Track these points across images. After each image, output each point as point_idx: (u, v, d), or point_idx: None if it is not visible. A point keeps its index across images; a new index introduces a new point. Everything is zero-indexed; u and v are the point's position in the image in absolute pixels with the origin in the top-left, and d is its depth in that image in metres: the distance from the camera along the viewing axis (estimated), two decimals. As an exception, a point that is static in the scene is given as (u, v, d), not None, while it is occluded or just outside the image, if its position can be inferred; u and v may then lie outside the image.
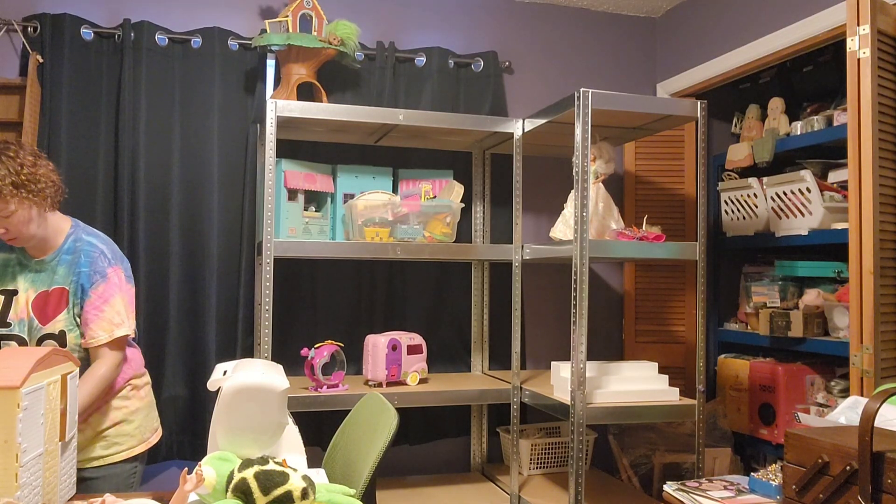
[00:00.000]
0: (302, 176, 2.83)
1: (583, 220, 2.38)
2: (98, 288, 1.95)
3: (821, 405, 2.85)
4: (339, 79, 3.08)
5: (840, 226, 2.73)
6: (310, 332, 3.04)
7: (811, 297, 2.86)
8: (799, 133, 3.01)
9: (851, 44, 2.12)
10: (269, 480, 1.27)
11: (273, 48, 2.83)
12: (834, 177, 2.91)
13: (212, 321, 2.89)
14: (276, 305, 3.00)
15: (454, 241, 2.89)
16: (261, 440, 1.49)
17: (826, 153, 3.07)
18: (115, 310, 1.96)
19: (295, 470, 1.31)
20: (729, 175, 3.34)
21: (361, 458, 1.75)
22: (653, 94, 3.56)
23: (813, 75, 3.19)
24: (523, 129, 2.87)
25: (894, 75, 2.16)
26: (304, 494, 1.28)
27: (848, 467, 1.45)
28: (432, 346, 3.16)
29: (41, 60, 2.72)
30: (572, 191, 2.52)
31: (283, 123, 2.75)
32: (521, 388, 2.84)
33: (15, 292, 1.97)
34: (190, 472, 1.33)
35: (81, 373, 1.95)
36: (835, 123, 2.86)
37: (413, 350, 2.84)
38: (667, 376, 2.59)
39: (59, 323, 1.94)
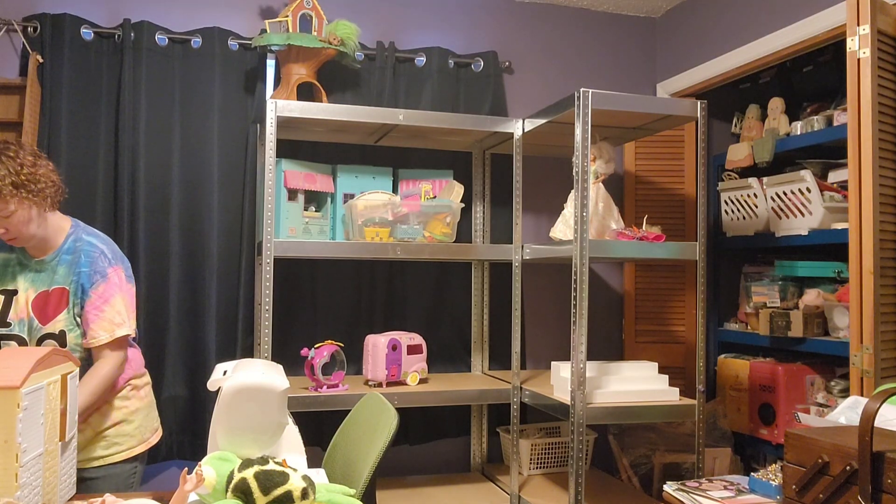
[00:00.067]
0: (302, 176, 2.83)
1: (583, 220, 2.38)
2: (98, 288, 1.95)
3: (821, 405, 2.85)
4: (339, 79, 3.08)
5: (840, 226, 2.73)
6: (310, 332, 3.04)
7: (811, 297, 2.86)
8: (799, 133, 3.01)
9: (851, 44, 2.12)
10: (269, 480, 1.27)
11: (273, 48, 2.83)
12: (834, 177, 2.91)
13: (212, 321, 2.89)
14: (276, 305, 3.00)
15: (454, 241, 2.89)
16: (261, 440, 1.49)
17: (826, 153, 3.07)
18: (115, 309, 1.96)
19: (295, 470, 1.31)
20: (729, 175, 3.34)
21: (361, 458, 1.75)
22: (653, 94, 3.56)
23: (813, 75, 3.19)
24: (523, 129, 2.87)
25: (894, 75, 2.16)
26: (304, 494, 1.28)
27: (848, 467, 1.45)
28: (432, 346, 3.16)
29: (41, 60, 2.72)
30: (572, 191, 2.52)
31: (283, 123, 2.75)
32: (521, 388, 2.84)
33: (15, 292, 1.97)
34: (190, 472, 1.33)
35: (82, 373, 1.95)
36: (835, 123, 2.86)
37: (413, 350, 2.84)
38: (667, 376, 2.59)
39: (59, 323, 1.94)
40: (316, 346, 2.68)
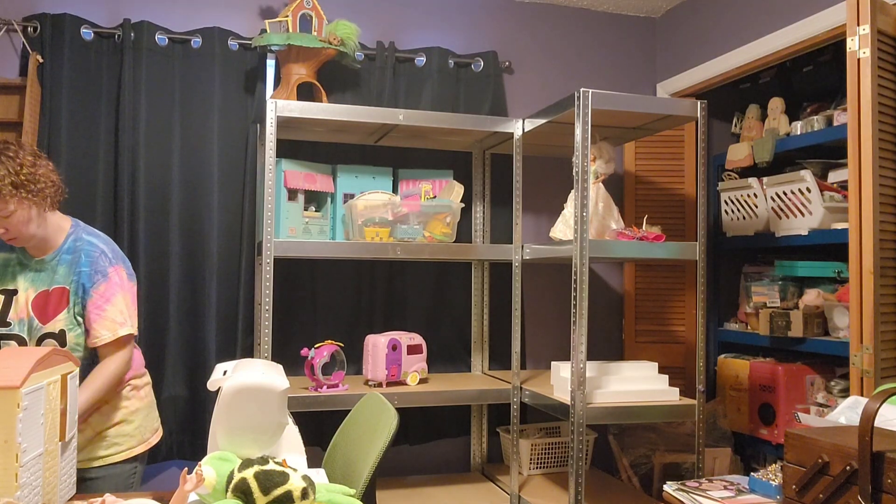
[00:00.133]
0: (302, 176, 2.83)
1: (583, 220, 2.38)
2: (100, 287, 1.96)
3: (821, 405, 2.85)
4: (339, 79, 3.08)
5: (840, 226, 2.73)
6: (310, 332, 3.04)
7: (811, 297, 2.86)
8: (799, 133, 3.01)
9: (851, 44, 2.12)
10: (269, 480, 1.27)
11: (273, 48, 2.83)
12: (834, 177, 2.91)
13: (212, 321, 2.89)
14: (276, 305, 3.00)
15: (454, 241, 2.89)
16: (261, 440, 1.49)
17: (826, 153, 3.07)
18: (117, 309, 1.96)
19: (295, 470, 1.31)
20: (729, 175, 3.34)
21: (361, 458, 1.75)
22: (653, 94, 3.56)
23: (813, 75, 3.19)
24: (523, 129, 2.87)
25: (894, 75, 2.16)
26: (304, 494, 1.28)
27: (848, 467, 1.45)
28: (432, 346, 3.16)
29: (41, 60, 2.72)
30: (572, 191, 2.52)
31: (283, 123, 2.75)
32: (521, 388, 2.84)
33: (15, 292, 1.97)
34: (190, 472, 1.33)
35: (85, 372, 1.96)
36: (835, 123, 2.86)
37: (413, 350, 2.84)
38: (667, 376, 2.59)
39: (60, 322, 1.94)
40: (316, 346, 2.68)
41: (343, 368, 2.72)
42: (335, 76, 3.06)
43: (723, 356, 3.27)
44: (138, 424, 2.09)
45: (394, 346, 2.77)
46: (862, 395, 2.07)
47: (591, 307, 3.44)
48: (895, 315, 2.13)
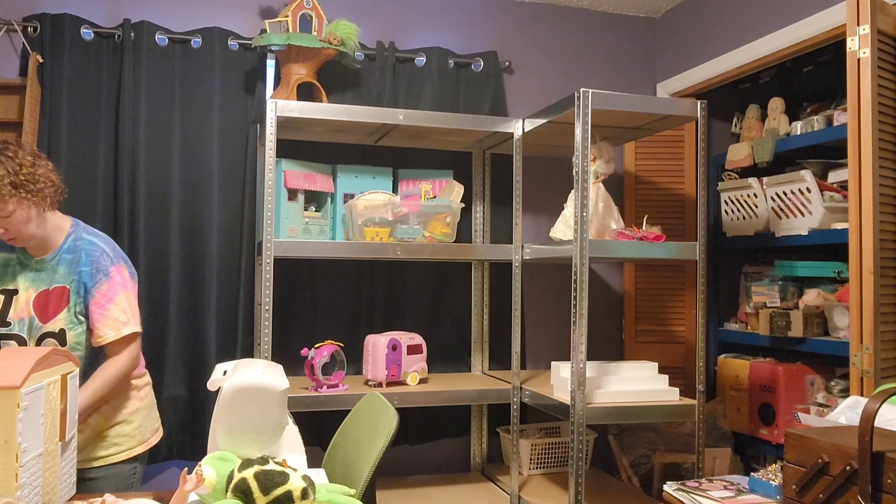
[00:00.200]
0: (302, 176, 2.83)
1: (583, 220, 2.38)
2: (102, 287, 1.96)
3: (821, 405, 2.85)
4: (339, 79, 3.08)
5: (840, 226, 2.73)
6: (310, 332, 3.04)
7: (811, 297, 2.86)
8: (799, 133, 3.01)
9: (851, 44, 2.12)
10: (269, 480, 1.27)
11: (273, 48, 2.83)
12: (834, 177, 2.91)
13: (212, 321, 2.89)
14: (276, 305, 3.00)
15: (454, 241, 2.89)
16: (261, 440, 1.49)
17: (826, 153, 3.07)
18: (120, 308, 1.97)
19: (295, 470, 1.31)
20: (729, 175, 3.34)
21: (361, 458, 1.75)
22: (653, 94, 3.56)
23: (813, 75, 3.19)
24: (523, 129, 2.87)
25: (894, 75, 2.16)
26: (304, 494, 1.28)
27: (848, 467, 1.45)
28: (432, 346, 3.16)
29: (41, 60, 2.72)
30: (572, 191, 2.52)
31: (283, 123, 2.75)
32: (521, 388, 2.84)
33: (15, 292, 1.97)
34: (190, 472, 1.33)
35: (83, 371, 1.96)
36: (835, 123, 2.86)
37: (413, 350, 2.84)
38: (667, 376, 2.59)
39: (60, 321, 1.95)
40: (316, 346, 2.67)
41: (343, 368, 2.72)
42: (335, 76, 3.06)
43: (723, 356, 3.27)
44: (138, 425, 2.09)
45: (394, 346, 2.77)
46: (862, 395, 2.07)
47: (591, 307, 3.44)
48: (895, 315, 2.13)
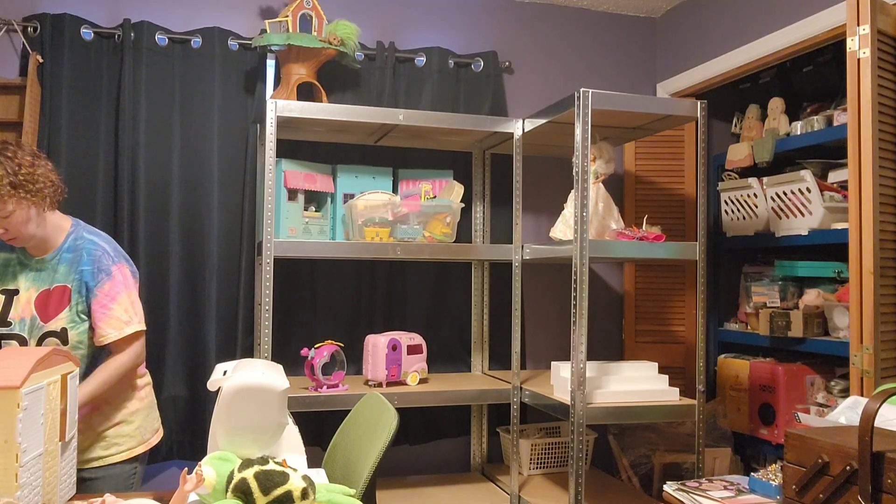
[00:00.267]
0: (302, 176, 2.83)
1: (583, 220, 2.38)
2: (104, 286, 1.96)
3: (821, 405, 2.85)
4: (339, 79, 3.08)
5: (840, 226, 2.73)
6: (310, 332, 3.04)
7: (811, 297, 2.86)
8: (799, 133, 3.01)
9: (851, 44, 2.12)
10: (269, 480, 1.27)
11: (273, 48, 2.83)
12: (834, 177, 2.91)
13: (212, 321, 2.89)
14: (276, 305, 3.00)
15: (454, 241, 2.89)
16: (261, 440, 1.49)
17: (826, 153, 3.07)
18: (122, 307, 1.97)
19: (295, 470, 1.31)
20: (729, 175, 3.34)
21: (361, 458, 1.75)
22: (653, 94, 3.56)
23: (813, 75, 3.19)
24: (523, 129, 2.87)
25: (894, 75, 2.16)
26: (304, 494, 1.28)
27: (848, 467, 1.45)
28: (432, 346, 3.16)
29: (41, 60, 2.72)
30: (572, 191, 2.52)
31: (283, 123, 2.75)
32: (521, 388, 2.84)
33: (16, 292, 1.97)
34: (190, 472, 1.33)
35: (85, 370, 1.96)
36: (835, 123, 2.86)
37: (413, 350, 2.84)
38: (667, 376, 2.59)
39: (61, 320, 1.95)
40: (316, 346, 2.67)
41: (343, 368, 2.72)
42: (335, 76, 3.06)
43: (723, 356, 3.27)
44: (138, 425, 2.09)
45: (394, 346, 2.77)
46: (862, 395, 2.07)
47: (591, 307, 3.44)
48: (895, 315, 2.13)
